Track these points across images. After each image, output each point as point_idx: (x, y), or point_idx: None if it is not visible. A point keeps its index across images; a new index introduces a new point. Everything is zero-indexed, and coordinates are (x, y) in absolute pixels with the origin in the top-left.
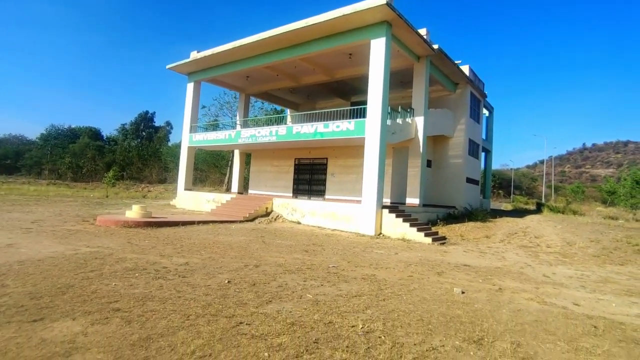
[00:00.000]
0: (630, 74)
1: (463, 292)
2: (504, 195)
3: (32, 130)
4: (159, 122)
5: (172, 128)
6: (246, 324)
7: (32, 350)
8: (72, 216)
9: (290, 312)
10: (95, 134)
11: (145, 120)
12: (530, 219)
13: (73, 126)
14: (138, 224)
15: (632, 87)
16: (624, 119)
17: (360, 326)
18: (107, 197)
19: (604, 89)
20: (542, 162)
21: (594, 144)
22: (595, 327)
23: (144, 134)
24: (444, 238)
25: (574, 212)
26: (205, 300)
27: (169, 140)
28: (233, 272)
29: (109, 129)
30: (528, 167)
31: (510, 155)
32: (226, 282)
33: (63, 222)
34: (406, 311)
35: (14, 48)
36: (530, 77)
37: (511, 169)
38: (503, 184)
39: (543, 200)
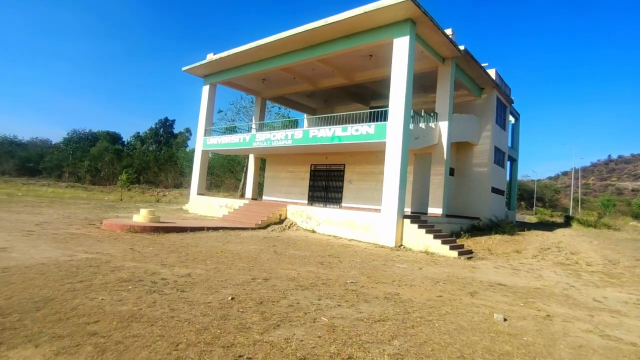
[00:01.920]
0: None
1: (505, 319)
2: (526, 207)
3: (58, 135)
4: (180, 129)
5: (190, 134)
6: (246, 358)
7: None
8: (80, 219)
9: (302, 341)
10: (113, 137)
11: (165, 126)
12: (561, 233)
13: (94, 130)
14: (144, 229)
15: None
16: None
17: None
18: (121, 200)
19: (631, 99)
20: (564, 173)
21: (619, 156)
22: None
23: (162, 139)
24: (470, 252)
25: (608, 227)
26: (202, 322)
27: (187, 146)
28: (238, 287)
29: (130, 135)
30: (550, 178)
31: (531, 166)
32: (229, 298)
33: (68, 225)
34: (442, 344)
35: (37, 54)
36: (551, 86)
37: (533, 180)
38: (524, 195)
39: (570, 213)
